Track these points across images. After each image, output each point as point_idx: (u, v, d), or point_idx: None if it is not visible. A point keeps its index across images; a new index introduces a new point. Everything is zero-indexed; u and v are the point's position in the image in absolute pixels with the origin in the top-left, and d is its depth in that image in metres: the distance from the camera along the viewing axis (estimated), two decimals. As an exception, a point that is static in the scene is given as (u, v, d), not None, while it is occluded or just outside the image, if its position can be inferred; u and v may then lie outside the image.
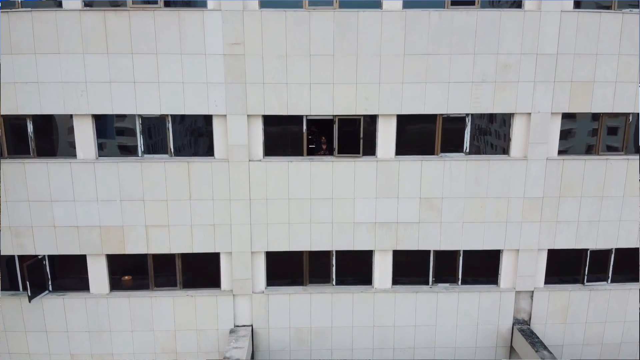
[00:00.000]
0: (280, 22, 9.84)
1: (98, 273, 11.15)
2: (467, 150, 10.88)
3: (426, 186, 10.77)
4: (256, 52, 9.95)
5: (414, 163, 10.67)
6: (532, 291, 11.67)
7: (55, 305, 11.15)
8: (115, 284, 11.35)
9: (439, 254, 11.38)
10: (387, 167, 10.66)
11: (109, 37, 9.81)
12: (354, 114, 10.38)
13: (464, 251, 11.40)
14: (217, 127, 10.42)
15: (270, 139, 10.63)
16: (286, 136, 10.68)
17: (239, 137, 10.32)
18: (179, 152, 10.65)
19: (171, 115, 10.37)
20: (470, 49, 10.17)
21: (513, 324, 11.68)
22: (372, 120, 10.58)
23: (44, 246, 10.84)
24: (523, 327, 11.59)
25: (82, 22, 9.74)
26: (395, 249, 11.12)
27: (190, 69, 10.00)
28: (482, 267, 11.64)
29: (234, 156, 10.42)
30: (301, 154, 10.70)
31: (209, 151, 10.62)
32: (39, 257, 11.02)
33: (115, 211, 10.65)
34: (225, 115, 10.28)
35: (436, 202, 10.89)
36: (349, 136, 10.63)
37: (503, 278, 11.62)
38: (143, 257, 11.11)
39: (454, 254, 11.44)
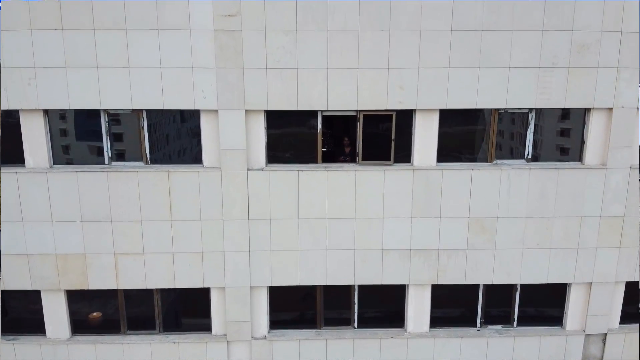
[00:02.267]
0: (289, -13, 7.48)
1: (55, 313, 8.74)
2: (530, 156, 8.43)
3: (477, 202, 8.33)
4: (257, 26, 7.57)
5: (462, 173, 8.23)
6: (605, 334, 9.17)
7: (5, 352, 8.72)
8: (79, 325, 8.93)
9: (490, 288, 8.90)
10: (427, 177, 8.22)
11: (63, 7, 7.45)
12: (385, 108, 7.97)
13: (522, 285, 8.92)
14: (205, 125, 8.02)
15: (275, 141, 8.23)
16: (295, 138, 8.29)
17: (234, 138, 7.92)
18: (157, 158, 8.25)
19: (146, 110, 7.99)
20: (538, 23, 7.76)
21: (582, 376, 9.21)
22: (407, 116, 8.15)
23: (-15, 279, 8.46)
24: (597, 381, 9.11)
25: (27, -12, 7.40)
26: (435, 283, 8.65)
27: (170, 49, 7.63)
28: (543, 304, 9.18)
29: (228, 164, 8.01)
30: (314, 161, 8.28)
31: (195, 157, 8.22)
32: (-19, 292, 8.65)
33: (75, 235, 8.25)
34: (216, 111, 7.89)
35: (489, 223, 8.43)
36: (376, 138, 8.21)
37: (570, 318, 9.16)
38: (112, 293, 8.68)
39: (509, 288, 8.95)
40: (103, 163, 8.20)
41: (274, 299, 8.82)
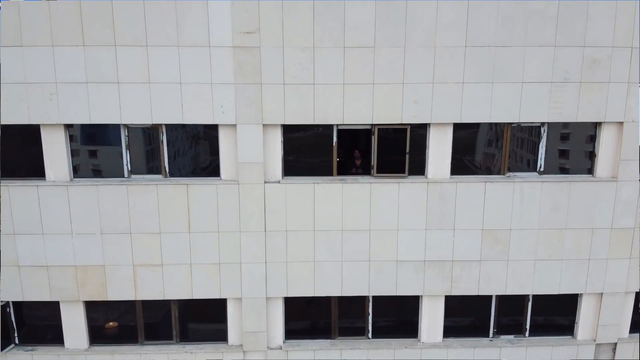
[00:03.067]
0: (307, 4, 7.61)
1: (74, 323, 8.85)
2: (542, 169, 8.55)
3: (490, 214, 8.45)
4: (275, 43, 7.72)
5: (475, 185, 8.35)
6: (616, 343, 9.27)
7: (20, 363, 8.86)
8: (96, 336, 9.04)
9: (503, 298, 9.00)
10: (441, 190, 8.34)
11: (85, 24, 7.61)
12: (399, 122, 8.10)
13: (534, 295, 9.02)
14: (224, 139, 8.16)
15: (292, 154, 8.36)
16: (311, 151, 8.42)
17: (252, 152, 8.06)
18: (176, 172, 8.39)
19: (166, 125, 8.12)
20: (550, 39, 7.90)
21: (594, 386, 9.30)
22: (421, 130, 8.28)
23: (6, 291, 8.57)
24: (608, 390, 9.19)
25: (50, 7, 7.55)
26: (449, 294, 8.76)
27: (190, 65, 7.78)
28: (555, 314, 9.28)
29: (246, 177, 8.14)
30: (330, 174, 8.42)
31: (213, 171, 8.36)
32: (2, 303, 8.76)
33: (95, 247, 8.38)
34: (234, 125, 8.03)
35: (502, 235, 8.54)
36: (391, 151, 8.34)
37: (581, 328, 9.25)
38: (130, 304, 8.80)
39: (521, 299, 9.05)
40: (123, 176, 8.33)
41: (290, 309, 8.94)
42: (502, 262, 8.66)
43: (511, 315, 9.18)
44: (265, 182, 8.23)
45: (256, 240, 8.40)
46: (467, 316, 9.21)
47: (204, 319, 9.05)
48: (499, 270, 8.69)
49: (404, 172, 8.37)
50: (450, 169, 8.37)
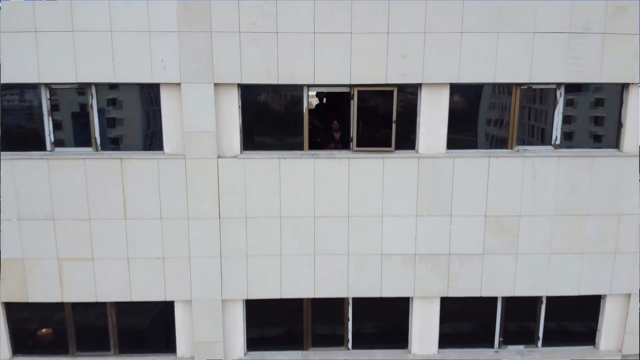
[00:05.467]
0: None
1: (-11, 330, 7.26)
2: (558, 142, 7.05)
3: (495, 197, 6.94)
4: (227, -21, 6.22)
5: (477, 161, 6.85)
6: (644, 354, 7.75)
7: None
8: (21, 344, 7.45)
9: (511, 300, 7.47)
10: (435, 167, 6.83)
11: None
12: (384, 82, 6.59)
13: (548, 297, 7.49)
14: (167, 103, 6.64)
15: (253, 123, 6.84)
16: (277, 119, 6.90)
17: (201, 119, 6.53)
18: (109, 144, 6.85)
19: (95, 85, 6.59)
20: (569, -21, 6.43)
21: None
22: (411, 93, 6.78)
23: None
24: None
25: None
26: (445, 295, 7.21)
27: (123, 9, 6.27)
28: (573, 320, 7.75)
29: (194, 150, 6.61)
30: (300, 147, 6.91)
31: (154, 142, 6.82)
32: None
33: (12, 236, 6.82)
34: (178, 84, 6.50)
35: (510, 223, 7.02)
36: (374, 119, 6.84)
37: (604, 336, 7.75)
38: (58, 306, 7.23)
39: (533, 301, 7.52)
40: (45, 149, 6.78)
41: (252, 314, 7.36)
42: (510, 255, 7.13)
43: (521, 321, 7.65)
44: (218, 157, 6.69)
45: (209, 229, 6.85)
46: (467, 322, 7.67)
47: (148, 325, 7.46)
48: (505, 266, 7.16)
49: (390, 146, 6.85)
50: (446, 141, 6.86)
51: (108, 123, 6.77)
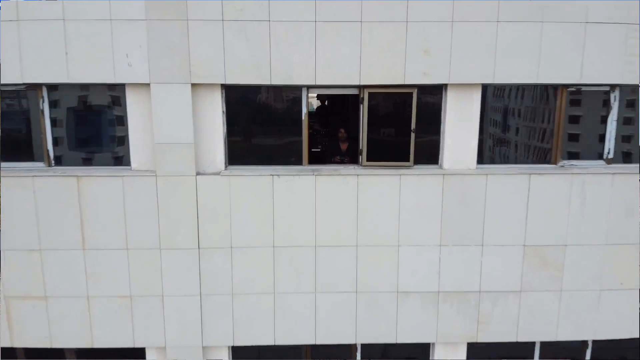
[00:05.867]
0: None
1: None
2: (611, 155, 5.82)
3: (535, 223, 5.69)
4: (207, -46, 5.01)
5: (515, 179, 5.60)
6: None
7: None
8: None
9: (551, 346, 6.21)
10: (463, 186, 5.59)
11: None
12: (401, 83, 5.36)
13: (594, 342, 6.24)
14: (134, 108, 5.41)
15: (239, 131, 5.62)
16: (269, 127, 5.68)
17: (175, 127, 5.30)
18: (65, 158, 5.62)
19: (47, 85, 5.37)
20: (630, -44, 5.21)
21: None
22: (434, 96, 5.55)
23: None
24: None
25: None
26: (474, 340, 5.95)
27: (78, -8, 5.06)
28: (624, 367, 6.50)
29: (168, 165, 5.38)
30: (298, 162, 5.68)
31: (119, 157, 5.59)
32: None
33: (-56, 270, 5.58)
34: (148, 85, 5.27)
35: (554, 254, 5.78)
36: (389, 127, 5.60)
37: (660, 386, 6.43)
38: (9, 352, 5.99)
39: (576, 345, 6.27)
40: (-15, 164, 5.56)
41: (240, 363, 6.11)
42: (553, 293, 5.88)
43: (562, 368, 6.41)
44: (198, 174, 5.46)
45: (186, 262, 5.60)
46: (498, 370, 6.42)
47: (114, 376, 6.21)
48: (547, 305, 5.91)
49: (408, 160, 5.61)
50: (477, 155, 5.62)
51: (66, 133, 5.53)
